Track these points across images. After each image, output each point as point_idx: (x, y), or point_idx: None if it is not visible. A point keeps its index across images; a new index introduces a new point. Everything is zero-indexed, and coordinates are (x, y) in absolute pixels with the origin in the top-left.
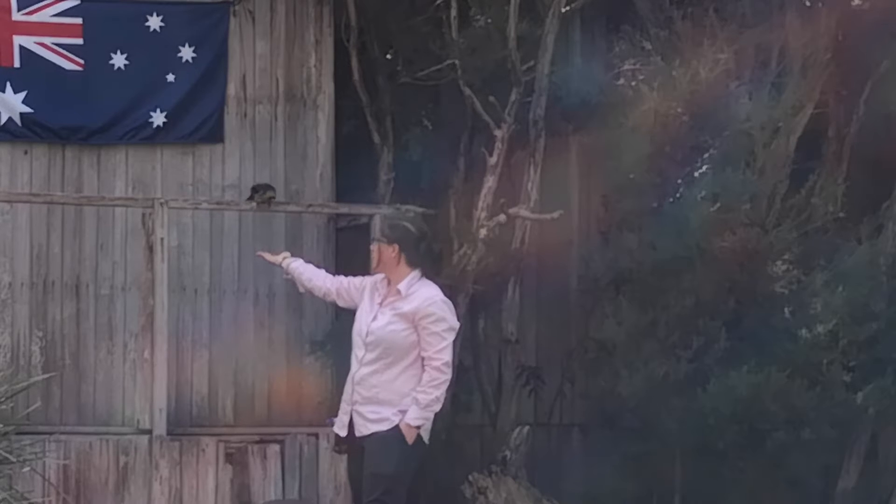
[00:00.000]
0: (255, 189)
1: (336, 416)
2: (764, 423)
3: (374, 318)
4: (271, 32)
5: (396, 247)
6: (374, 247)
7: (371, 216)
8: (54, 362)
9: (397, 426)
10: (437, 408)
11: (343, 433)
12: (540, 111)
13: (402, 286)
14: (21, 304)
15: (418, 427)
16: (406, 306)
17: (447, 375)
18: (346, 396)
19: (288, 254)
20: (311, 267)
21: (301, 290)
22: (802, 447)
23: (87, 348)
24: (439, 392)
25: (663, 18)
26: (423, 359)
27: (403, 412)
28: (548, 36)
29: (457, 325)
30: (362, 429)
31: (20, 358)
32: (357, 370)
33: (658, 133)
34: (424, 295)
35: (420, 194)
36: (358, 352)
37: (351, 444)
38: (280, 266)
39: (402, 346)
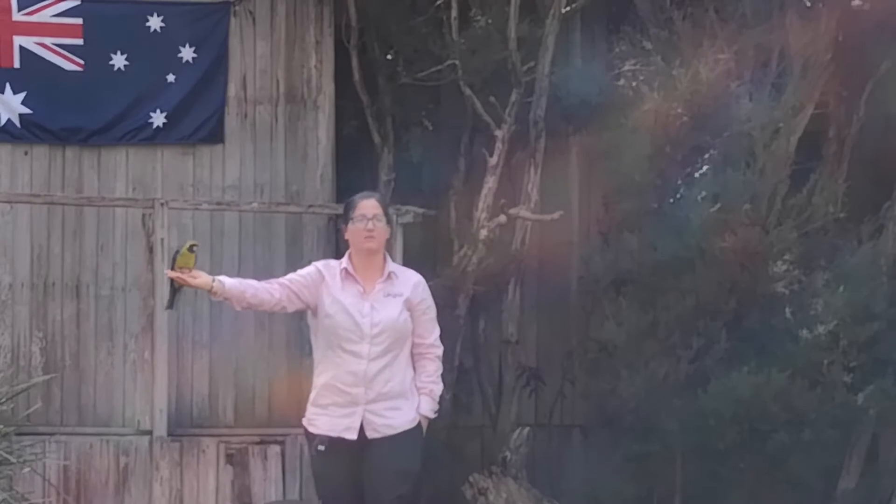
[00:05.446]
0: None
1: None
2: (764, 424)
3: (373, 308)
4: (272, 33)
5: (389, 228)
6: (376, 226)
7: None
8: (54, 363)
9: (419, 422)
10: None
11: (353, 437)
12: (540, 112)
13: (391, 268)
14: (21, 304)
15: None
16: (402, 290)
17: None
18: (347, 398)
19: (206, 276)
20: (242, 280)
21: (238, 308)
22: (803, 448)
23: (87, 349)
24: (442, 382)
25: (663, 19)
26: (414, 346)
27: (416, 405)
28: (548, 36)
29: None
30: (383, 429)
31: (20, 359)
32: (366, 367)
33: (658, 134)
34: (415, 277)
35: (420, 195)
36: (358, 347)
37: (336, 445)
38: (211, 291)
39: (407, 334)
